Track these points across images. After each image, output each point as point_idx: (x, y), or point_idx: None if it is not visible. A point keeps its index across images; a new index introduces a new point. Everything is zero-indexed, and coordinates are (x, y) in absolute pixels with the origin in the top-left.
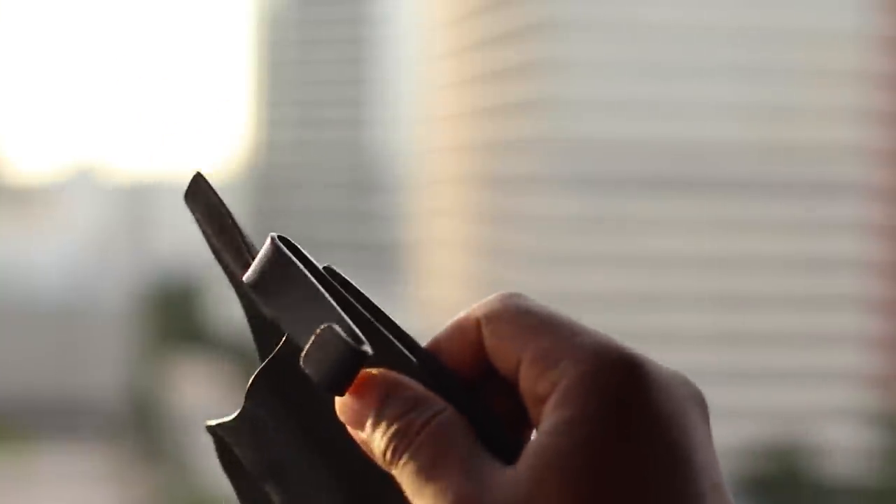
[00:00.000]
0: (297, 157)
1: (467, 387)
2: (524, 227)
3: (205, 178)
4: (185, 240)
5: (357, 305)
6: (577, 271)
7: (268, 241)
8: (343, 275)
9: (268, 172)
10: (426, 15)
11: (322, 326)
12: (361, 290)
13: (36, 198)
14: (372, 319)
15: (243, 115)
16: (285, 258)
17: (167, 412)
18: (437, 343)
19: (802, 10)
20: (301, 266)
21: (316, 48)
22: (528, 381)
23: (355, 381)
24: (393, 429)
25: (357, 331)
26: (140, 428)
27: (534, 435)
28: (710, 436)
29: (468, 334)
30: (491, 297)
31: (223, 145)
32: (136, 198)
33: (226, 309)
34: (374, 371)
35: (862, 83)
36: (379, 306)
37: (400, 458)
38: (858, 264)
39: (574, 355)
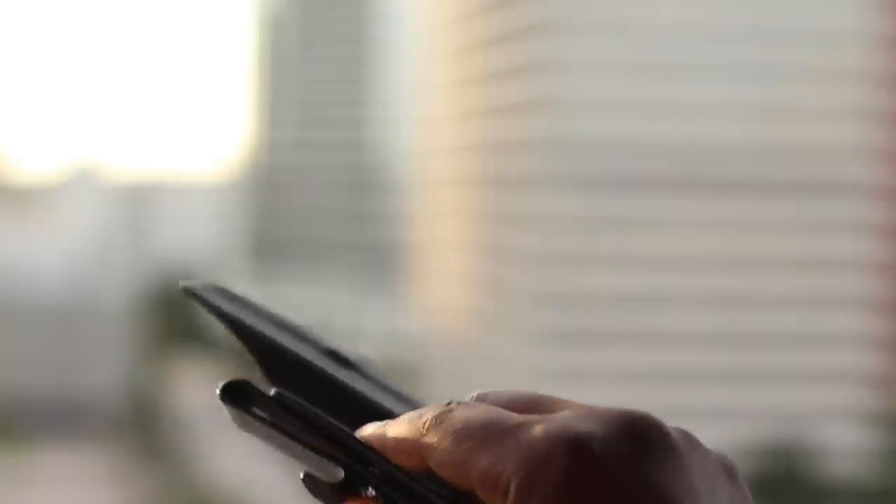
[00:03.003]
0: (298, 157)
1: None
2: (524, 227)
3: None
4: (185, 240)
5: (320, 415)
6: (577, 271)
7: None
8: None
9: (268, 172)
10: (427, 15)
11: (301, 476)
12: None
13: (36, 198)
14: (345, 431)
15: (243, 115)
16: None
17: (167, 412)
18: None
19: (802, 10)
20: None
21: (316, 48)
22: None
23: None
24: None
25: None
26: (140, 428)
27: None
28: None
29: (411, 457)
30: (432, 413)
31: (223, 145)
32: (136, 198)
33: None
34: None
35: (862, 83)
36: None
37: None
38: (859, 264)
39: (514, 466)
